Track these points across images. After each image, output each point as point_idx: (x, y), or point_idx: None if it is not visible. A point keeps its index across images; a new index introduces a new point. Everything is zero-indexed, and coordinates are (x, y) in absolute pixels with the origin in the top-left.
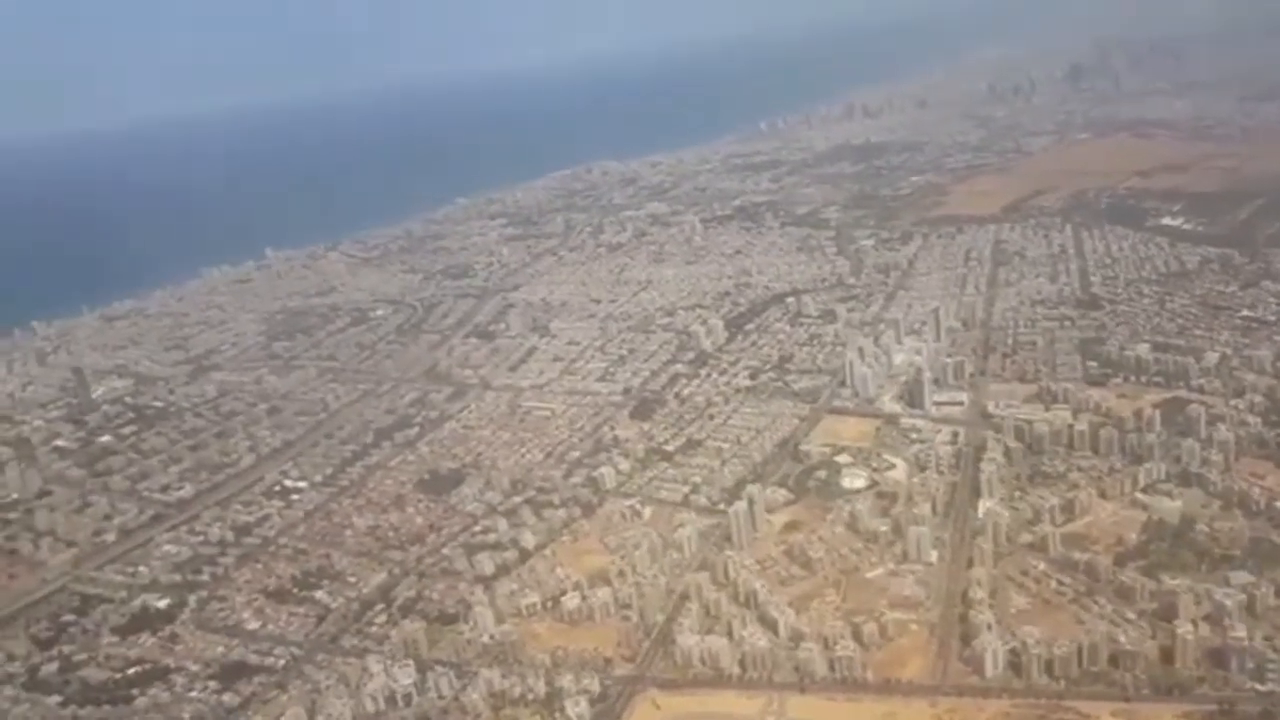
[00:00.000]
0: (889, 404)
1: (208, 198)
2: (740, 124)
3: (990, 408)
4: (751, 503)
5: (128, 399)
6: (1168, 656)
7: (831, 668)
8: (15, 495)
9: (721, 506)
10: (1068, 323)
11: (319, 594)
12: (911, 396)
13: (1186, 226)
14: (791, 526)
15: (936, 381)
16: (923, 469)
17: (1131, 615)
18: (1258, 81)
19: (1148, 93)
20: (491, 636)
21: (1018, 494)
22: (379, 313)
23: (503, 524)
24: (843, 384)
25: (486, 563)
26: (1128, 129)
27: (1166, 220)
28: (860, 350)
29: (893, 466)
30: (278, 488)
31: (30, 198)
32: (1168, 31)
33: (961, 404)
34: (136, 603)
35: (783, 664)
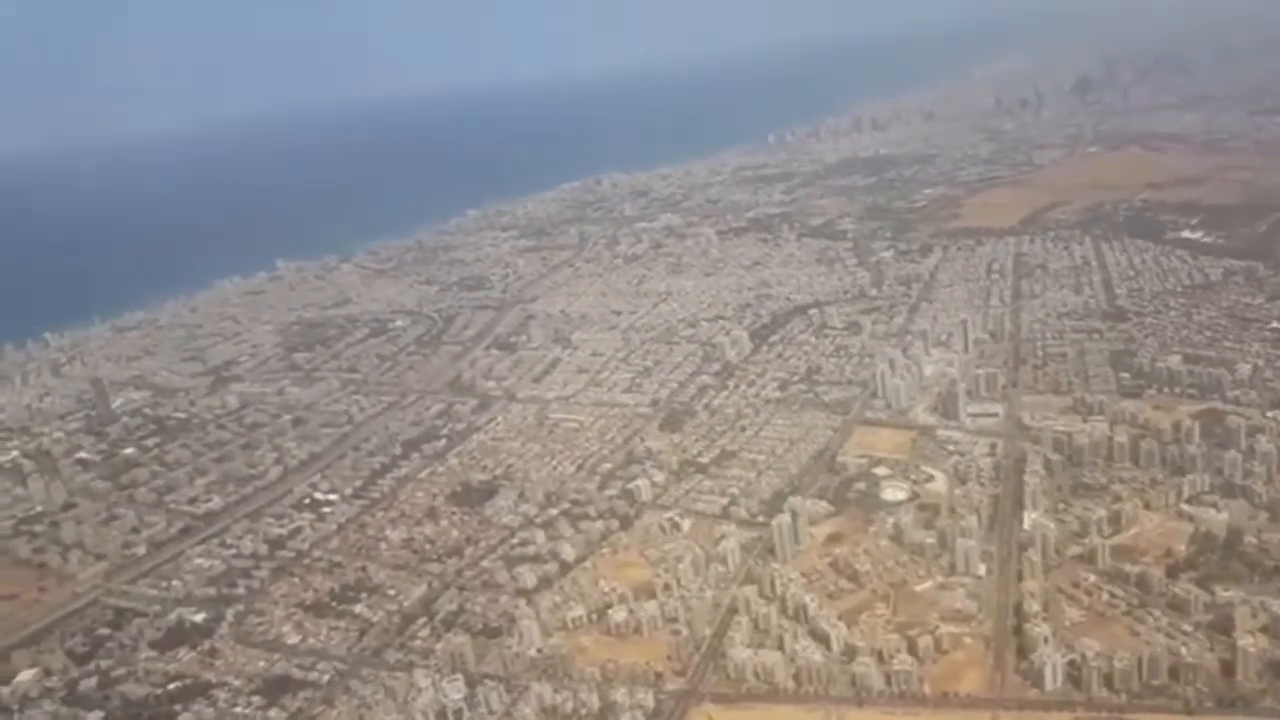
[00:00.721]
0: (922, 415)
1: (215, 208)
2: (747, 137)
3: (1026, 419)
4: (795, 515)
5: (147, 410)
6: (1228, 669)
7: (888, 681)
8: (40, 508)
9: (761, 519)
10: (1096, 335)
11: (359, 607)
12: (945, 408)
13: (1206, 239)
14: (834, 539)
15: (969, 393)
16: (963, 481)
17: (1187, 628)
18: (1265, 96)
19: (1155, 106)
20: (539, 650)
21: (1061, 506)
22: (398, 324)
23: (540, 536)
24: (874, 395)
25: (528, 576)
26: (1138, 142)
27: (1185, 233)
28: (891, 362)
29: (932, 478)
30: (308, 500)
31: (36, 208)
32: (1172, 47)
33: (996, 415)
34: (172, 617)
35: (837, 678)
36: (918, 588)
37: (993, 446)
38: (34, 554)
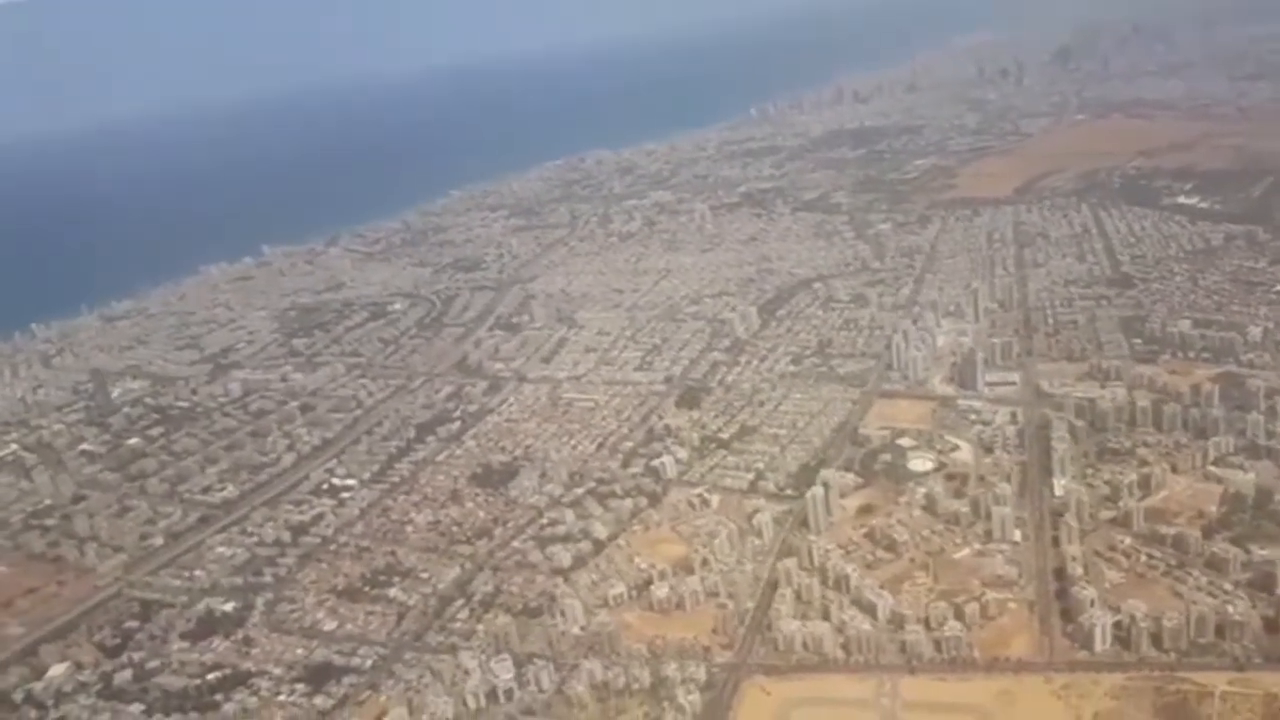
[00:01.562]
0: (940, 386)
1: (193, 193)
2: (729, 110)
3: (1044, 387)
4: (827, 487)
5: (148, 400)
6: (1271, 626)
7: (938, 648)
8: (48, 501)
9: (790, 492)
10: (1104, 301)
11: (392, 591)
12: (962, 378)
13: (1203, 205)
14: (865, 510)
15: (985, 362)
16: (988, 450)
17: (1228, 586)
18: (1245, 62)
19: (1137, 74)
20: (582, 628)
21: (1089, 471)
22: (396, 307)
23: (569, 516)
24: (889, 367)
25: (562, 555)
26: (1123, 110)
27: (1181, 199)
28: (904, 333)
29: (957, 448)
30: (325, 486)
31: (12, 197)
32: (1148, 15)
33: (1014, 384)
34: (200, 607)
35: (886, 647)
36: (955, 556)
37: (1013, 414)
38: (48, 548)
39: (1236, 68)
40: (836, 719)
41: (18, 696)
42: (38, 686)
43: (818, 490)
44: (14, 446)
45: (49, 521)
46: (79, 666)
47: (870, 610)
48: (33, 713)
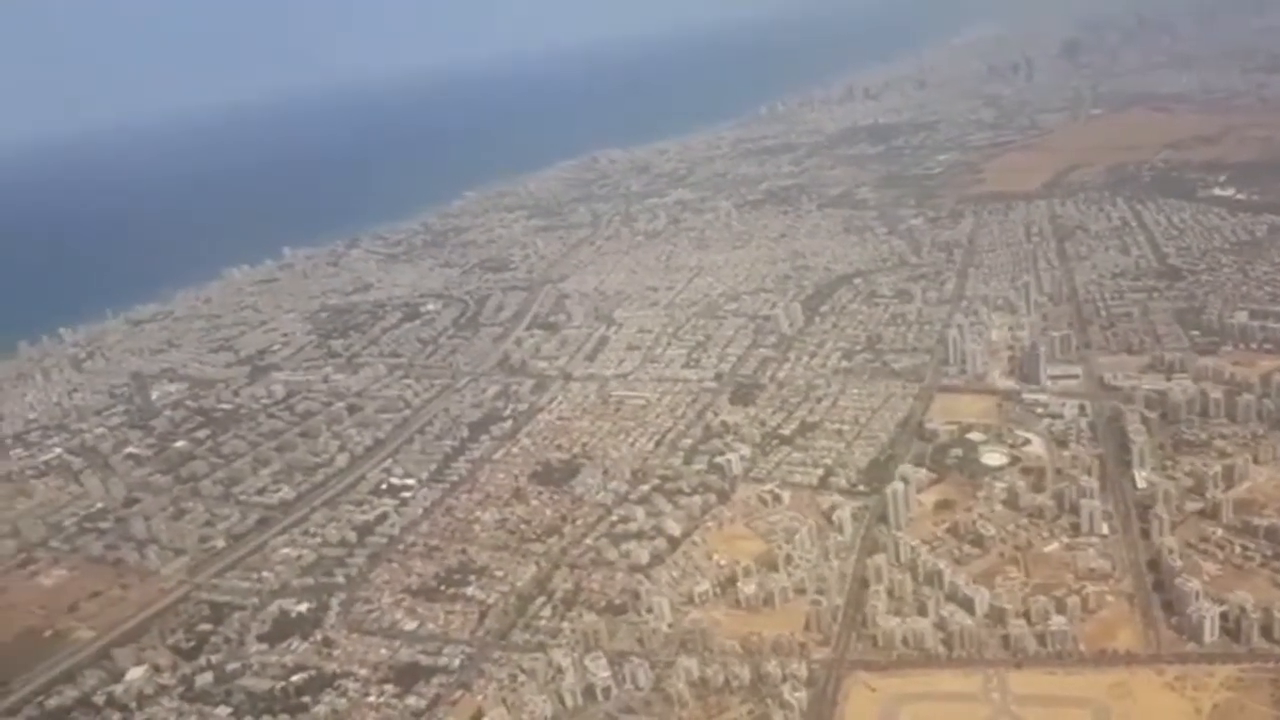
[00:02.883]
0: (1000, 380)
1: (206, 197)
2: (737, 109)
3: (1107, 380)
4: (906, 482)
5: (189, 403)
6: None
7: (1042, 642)
8: (100, 504)
9: (862, 488)
10: (1156, 293)
11: (470, 590)
12: (1023, 371)
13: (1240, 196)
14: (943, 505)
15: (1045, 355)
16: (1061, 443)
17: None
18: (1255, 54)
19: (1147, 68)
20: (670, 625)
21: (1168, 463)
22: (429, 308)
23: (639, 513)
24: (944, 362)
25: (639, 552)
26: (1141, 103)
27: (1216, 191)
28: (960, 328)
29: (1028, 442)
30: (384, 486)
31: (31, 201)
32: (1149, 9)
33: (1076, 377)
34: (272, 608)
35: (988, 641)
36: (1045, 550)
37: (1081, 407)
38: (107, 551)
39: (1247, 60)
40: (947, 714)
41: (99, 699)
42: (118, 689)
43: (897, 485)
44: (58, 450)
45: (103, 525)
46: (156, 669)
47: (967, 605)
48: (116, 715)
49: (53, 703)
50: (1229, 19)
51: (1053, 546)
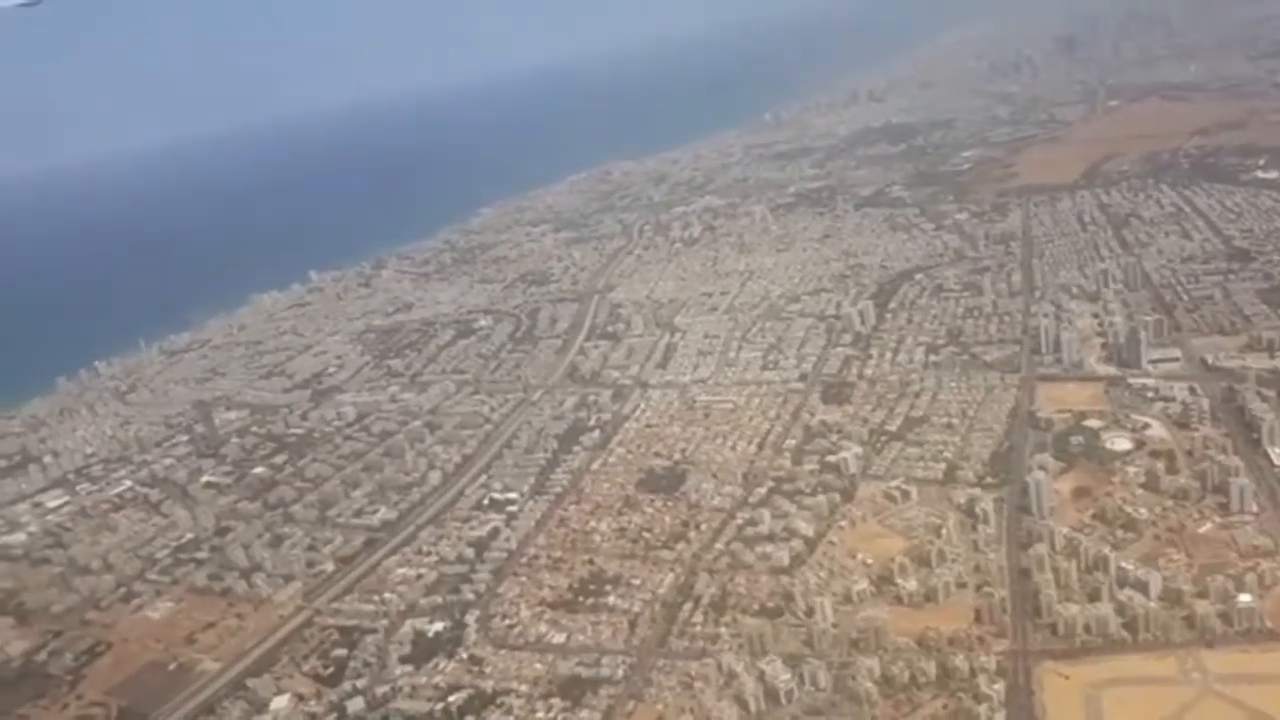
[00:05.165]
0: (1100, 367)
1: (214, 223)
2: (739, 117)
3: (1209, 361)
4: (1046, 471)
5: (255, 429)
6: None
7: (1228, 621)
8: (190, 535)
9: (990, 480)
10: (1231, 276)
11: (610, 600)
12: (1123, 357)
13: None
14: (1081, 493)
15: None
16: (1181, 425)
17: None
18: (1256, 43)
19: (1149, 60)
20: (835, 625)
21: None
22: (481, 324)
23: (765, 515)
24: (1035, 351)
25: (780, 553)
26: (1155, 94)
27: (1259, 174)
28: (1054, 316)
29: (1148, 426)
30: (486, 501)
31: (32, 234)
32: (1140, 3)
33: (1177, 360)
34: (405, 629)
35: (1171, 624)
36: (1199, 530)
37: (1191, 389)
38: (211, 581)
39: (1249, 49)
40: (1151, 698)
41: None
42: None
43: (1039, 475)
44: (127, 483)
45: (199, 555)
46: (300, 698)
47: (1142, 589)
48: None
49: None
50: (1220, 10)
51: (1206, 527)
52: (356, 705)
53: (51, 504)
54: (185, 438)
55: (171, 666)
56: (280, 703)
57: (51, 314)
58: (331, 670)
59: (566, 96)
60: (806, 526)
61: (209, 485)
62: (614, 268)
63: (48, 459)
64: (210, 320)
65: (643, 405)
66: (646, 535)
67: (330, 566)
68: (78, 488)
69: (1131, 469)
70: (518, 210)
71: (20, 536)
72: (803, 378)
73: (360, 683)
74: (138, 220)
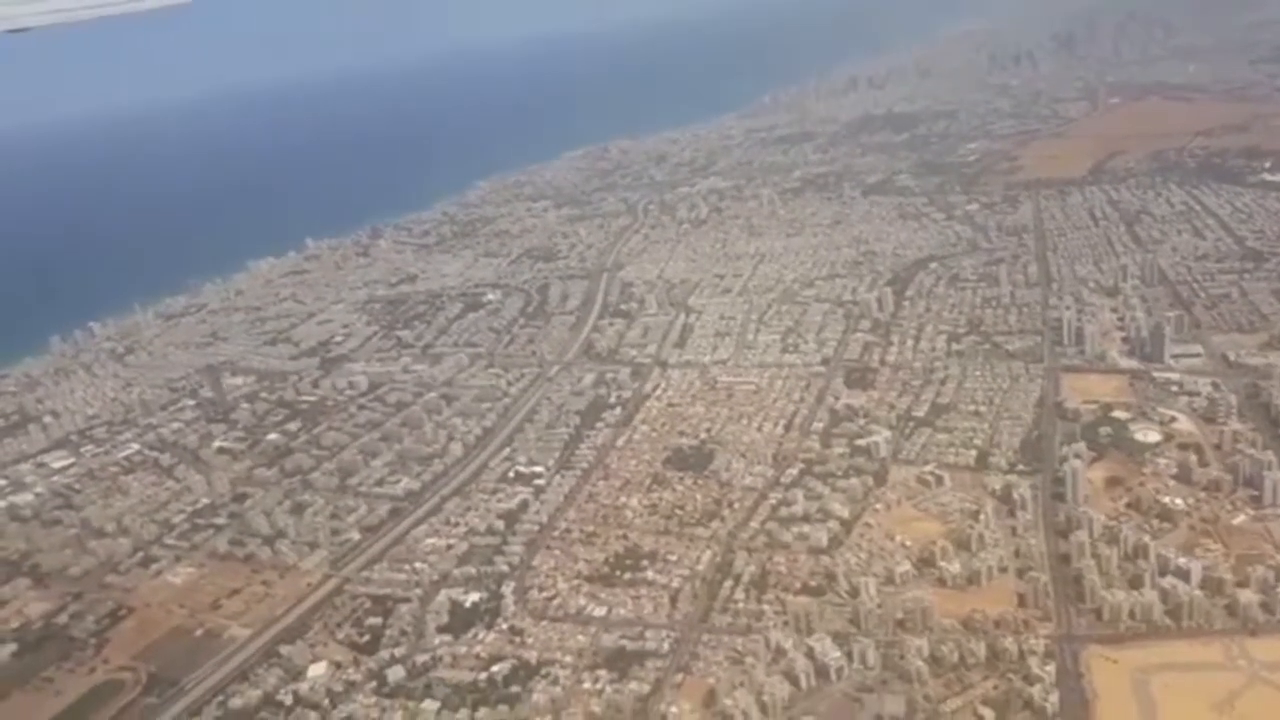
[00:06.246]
0: (1122, 360)
1: (208, 186)
2: (737, 99)
3: (1230, 357)
4: (1080, 459)
5: (265, 395)
6: None
7: (1270, 610)
8: (205, 500)
9: (1022, 467)
10: (1247, 275)
11: (649, 574)
12: (1146, 351)
13: None
14: (1114, 482)
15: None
16: (1208, 420)
17: None
18: (1256, 47)
19: (1148, 60)
20: (879, 605)
21: None
22: (490, 298)
23: (799, 496)
24: (1057, 343)
25: (818, 534)
26: (1155, 93)
27: (1265, 176)
28: (1075, 309)
29: (1174, 419)
30: (512, 474)
31: (36, 189)
32: (1139, 4)
33: (1199, 355)
34: (440, 599)
35: (1213, 611)
36: (1233, 521)
37: (1215, 385)
38: (232, 546)
39: (1249, 53)
40: (1200, 683)
41: (284, 698)
42: (303, 688)
43: (1075, 463)
44: (135, 446)
45: (218, 521)
46: (337, 665)
47: (1183, 576)
48: (312, 715)
49: (236, 703)
50: (1219, 14)
51: (1240, 519)
52: (397, 674)
53: (56, 465)
54: (192, 402)
55: (198, 632)
56: (317, 670)
57: (44, 273)
58: (367, 639)
59: (568, 71)
60: (841, 508)
61: (221, 450)
62: (622, 246)
63: (48, 419)
64: (206, 285)
65: (663, 384)
66: (679, 513)
67: (356, 535)
68: (81, 449)
69: (1162, 460)
70: (516, 185)
71: (28, 497)
72: (824, 362)
73: (398, 651)
74: (141, 177)
